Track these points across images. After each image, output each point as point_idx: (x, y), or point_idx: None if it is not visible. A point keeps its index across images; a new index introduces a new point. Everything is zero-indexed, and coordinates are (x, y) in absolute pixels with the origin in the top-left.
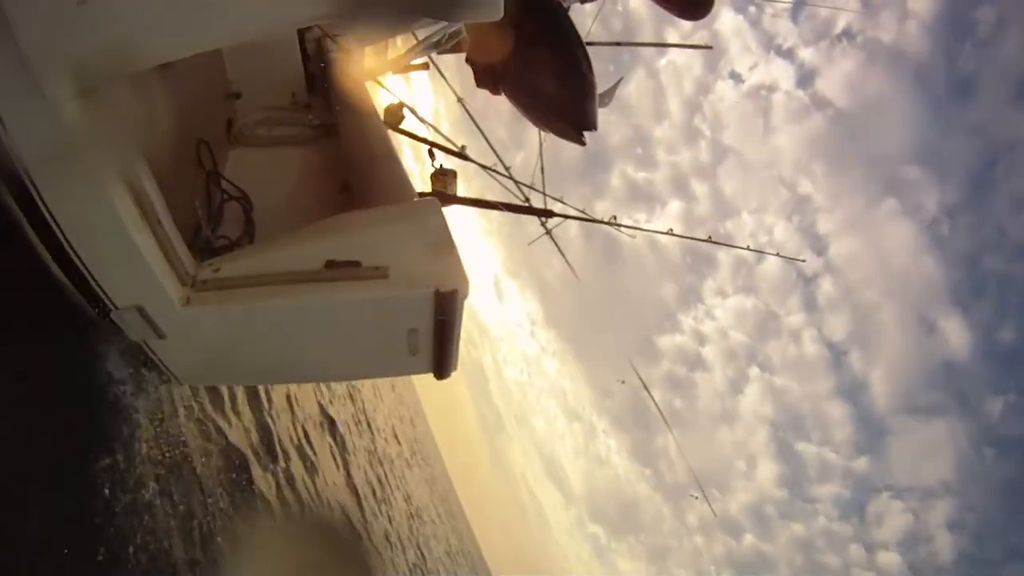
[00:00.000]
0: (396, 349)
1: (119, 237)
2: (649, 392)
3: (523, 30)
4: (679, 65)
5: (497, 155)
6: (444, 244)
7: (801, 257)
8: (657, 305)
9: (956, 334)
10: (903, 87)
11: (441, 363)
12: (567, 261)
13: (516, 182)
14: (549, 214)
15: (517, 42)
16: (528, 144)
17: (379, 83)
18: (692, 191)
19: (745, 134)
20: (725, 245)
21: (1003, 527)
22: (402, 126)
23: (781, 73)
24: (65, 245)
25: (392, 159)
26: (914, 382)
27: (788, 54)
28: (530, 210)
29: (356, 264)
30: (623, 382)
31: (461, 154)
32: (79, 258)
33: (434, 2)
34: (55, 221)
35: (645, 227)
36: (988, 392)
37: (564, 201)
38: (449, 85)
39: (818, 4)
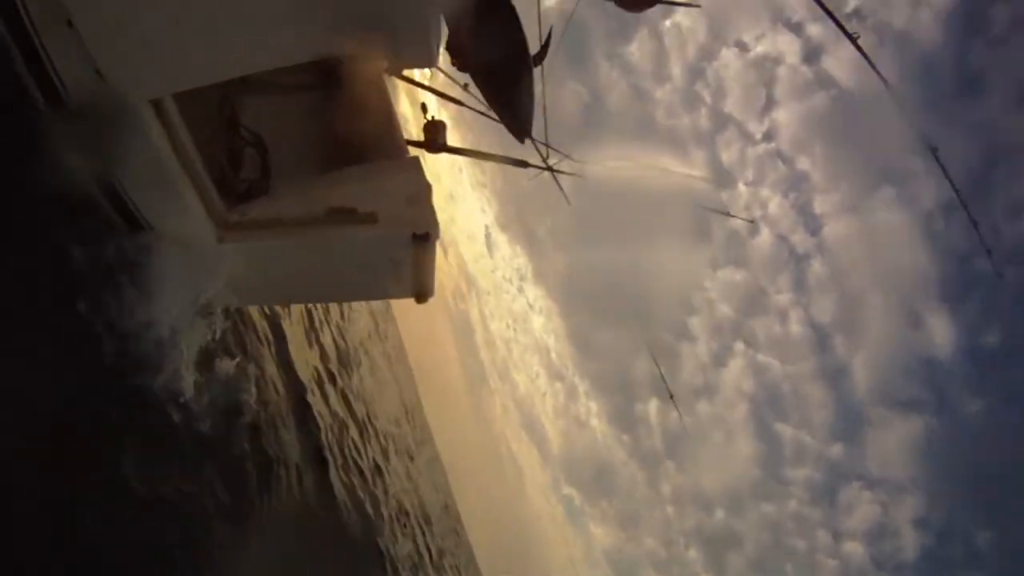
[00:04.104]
0: (384, 278)
1: (172, 193)
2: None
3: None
4: (684, 28)
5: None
6: (422, 195)
7: (750, 218)
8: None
9: (941, 331)
10: (910, 75)
11: (419, 290)
12: (562, 190)
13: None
14: (523, 165)
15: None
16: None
17: None
18: (690, 157)
19: (746, 104)
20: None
21: (966, 531)
22: (404, 73)
23: (787, 46)
24: (128, 204)
25: (388, 112)
26: (895, 374)
27: (796, 28)
28: (516, 161)
29: (352, 211)
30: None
31: (456, 100)
32: (138, 211)
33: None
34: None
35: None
36: (967, 394)
37: (561, 151)
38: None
39: None
